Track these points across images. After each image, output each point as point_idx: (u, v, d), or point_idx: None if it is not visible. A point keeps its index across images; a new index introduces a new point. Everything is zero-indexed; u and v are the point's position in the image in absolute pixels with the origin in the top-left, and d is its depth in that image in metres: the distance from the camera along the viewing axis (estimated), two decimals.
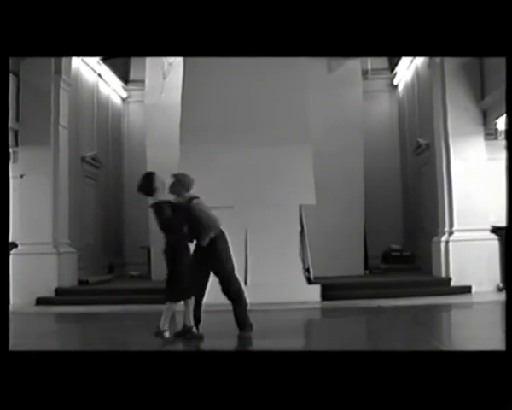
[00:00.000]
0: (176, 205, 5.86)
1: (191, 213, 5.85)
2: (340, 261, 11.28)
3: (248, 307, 6.08)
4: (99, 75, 13.93)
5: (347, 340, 6.12)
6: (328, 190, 11.00)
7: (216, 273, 6.03)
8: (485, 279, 9.67)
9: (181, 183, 6.02)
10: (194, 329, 5.93)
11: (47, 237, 10.44)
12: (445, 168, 10.37)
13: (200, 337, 5.92)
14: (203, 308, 6.11)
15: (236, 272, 6.13)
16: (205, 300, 6.12)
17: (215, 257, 5.95)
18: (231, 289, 6.00)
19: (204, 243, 5.90)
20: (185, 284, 5.76)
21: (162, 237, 5.92)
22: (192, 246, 6.05)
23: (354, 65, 12.40)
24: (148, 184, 5.85)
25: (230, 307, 6.05)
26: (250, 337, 5.96)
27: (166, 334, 5.79)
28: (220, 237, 6.01)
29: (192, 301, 5.91)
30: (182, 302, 5.87)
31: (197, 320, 6.06)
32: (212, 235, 5.91)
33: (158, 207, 5.78)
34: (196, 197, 6.00)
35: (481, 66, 10.22)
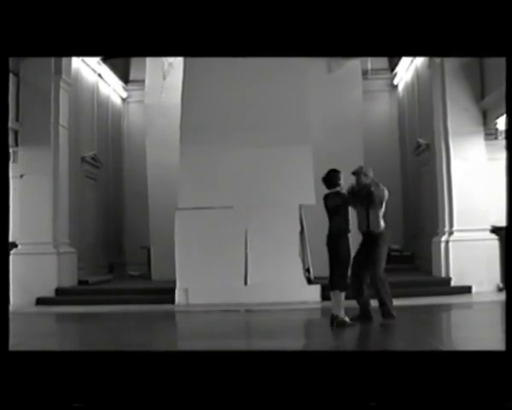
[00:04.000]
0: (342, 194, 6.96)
1: (371, 198, 7.03)
2: None
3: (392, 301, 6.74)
4: (99, 75, 13.92)
5: (347, 340, 6.12)
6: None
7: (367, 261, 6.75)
8: (485, 279, 9.65)
9: (362, 172, 7.45)
10: (346, 318, 6.59)
11: (47, 237, 10.44)
12: (445, 168, 10.36)
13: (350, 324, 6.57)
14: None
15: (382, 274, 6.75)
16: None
17: (374, 246, 6.70)
18: (374, 278, 6.74)
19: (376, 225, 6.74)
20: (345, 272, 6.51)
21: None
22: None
23: (354, 65, 12.37)
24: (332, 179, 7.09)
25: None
26: (392, 324, 6.63)
27: (347, 319, 6.51)
28: (385, 236, 6.82)
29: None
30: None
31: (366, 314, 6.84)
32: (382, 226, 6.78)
33: (326, 197, 6.95)
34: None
35: (481, 66, 10.20)
